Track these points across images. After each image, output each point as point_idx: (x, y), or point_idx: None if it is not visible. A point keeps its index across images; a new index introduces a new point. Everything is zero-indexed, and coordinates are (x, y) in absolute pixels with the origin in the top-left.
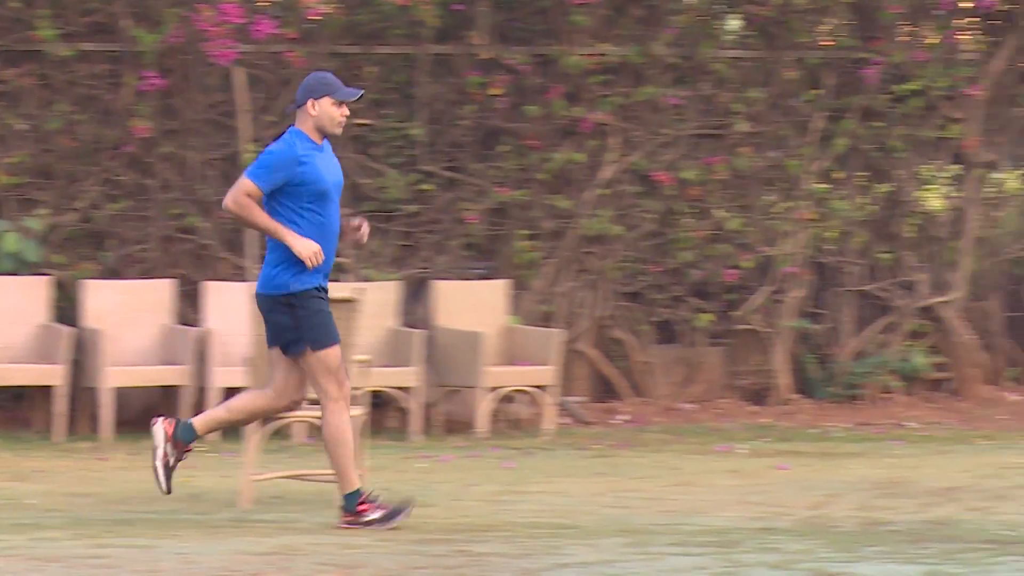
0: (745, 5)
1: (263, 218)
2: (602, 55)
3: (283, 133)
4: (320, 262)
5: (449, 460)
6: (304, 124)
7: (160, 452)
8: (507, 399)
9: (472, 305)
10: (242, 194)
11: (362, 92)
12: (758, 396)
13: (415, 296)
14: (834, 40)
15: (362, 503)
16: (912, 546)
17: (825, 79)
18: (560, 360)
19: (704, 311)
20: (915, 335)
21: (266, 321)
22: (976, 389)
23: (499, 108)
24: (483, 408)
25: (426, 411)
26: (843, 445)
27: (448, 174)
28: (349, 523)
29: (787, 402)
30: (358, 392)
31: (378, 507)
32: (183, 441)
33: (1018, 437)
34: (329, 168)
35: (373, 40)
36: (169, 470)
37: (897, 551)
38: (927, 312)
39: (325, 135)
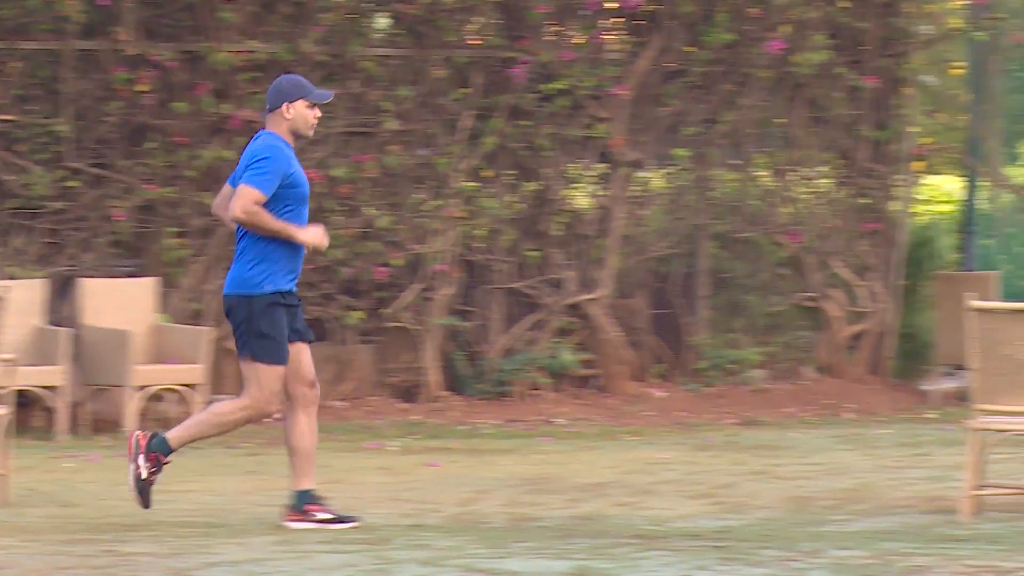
0: (393, 3)
1: (273, 221)
2: (251, 52)
3: (256, 137)
4: (327, 244)
5: (97, 459)
6: (279, 127)
7: (135, 467)
8: (156, 398)
9: (120, 303)
10: (251, 203)
11: (333, 94)
12: (408, 393)
13: (61, 294)
14: (482, 39)
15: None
16: (561, 542)
17: (473, 78)
18: (209, 358)
19: (354, 309)
20: (563, 332)
21: (234, 328)
22: (623, 386)
23: (147, 105)
24: (131, 407)
25: (73, 410)
26: (492, 442)
27: (95, 171)
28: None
29: (437, 399)
30: (3, 391)
31: (325, 509)
32: (158, 453)
33: (664, 433)
34: (303, 173)
35: (17, 35)
36: (146, 484)
37: (546, 547)
38: (575, 309)
39: (298, 139)
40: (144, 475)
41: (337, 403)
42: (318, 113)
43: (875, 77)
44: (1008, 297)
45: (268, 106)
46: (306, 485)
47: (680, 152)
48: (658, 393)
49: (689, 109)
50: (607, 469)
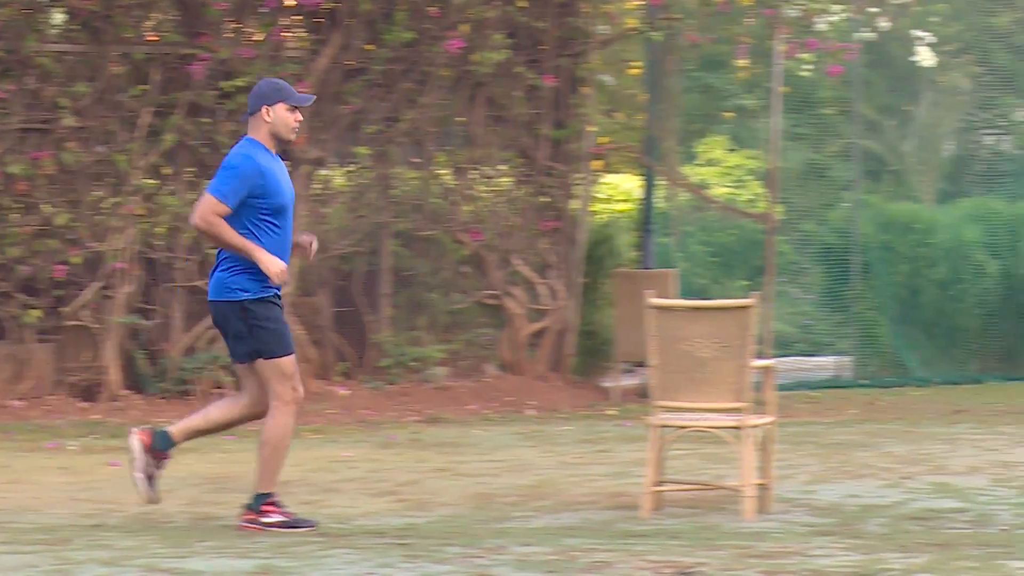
0: None
1: (232, 235)
2: None
3: (237, 143)
4: (286, 280)
5: None
6: (259, 132)
7: (139, 463)
8: None
9: None
10: (210, 212)
11: (315, 97)
12: (88, 393)
13: None
14: (160, 36)
15: (269, 504)
16: (244, 540)
17: (152, 75)
18: None
19: (32, 307)
20: None
21: (224, 333)
22: (306, 384)
23: None
24: None
25: None
26: None
27: None
28: (249, 521)
29: (118, 398)
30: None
31: (282, 512)
32: (160, 450)
33: (348, 431)
34: (285, 180)
35: None
36: (151, 478)
37: (229, 545)
38: None
39: (280, 143)
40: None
41: (15, 403)
42: (299, 116)
43: (554, 76)
44: (686, 294)
45: (248, 110)
46: (264, 488)
47: (361, 150)
48: (341, 391)
49: (370, 107)
50: (291, 467)
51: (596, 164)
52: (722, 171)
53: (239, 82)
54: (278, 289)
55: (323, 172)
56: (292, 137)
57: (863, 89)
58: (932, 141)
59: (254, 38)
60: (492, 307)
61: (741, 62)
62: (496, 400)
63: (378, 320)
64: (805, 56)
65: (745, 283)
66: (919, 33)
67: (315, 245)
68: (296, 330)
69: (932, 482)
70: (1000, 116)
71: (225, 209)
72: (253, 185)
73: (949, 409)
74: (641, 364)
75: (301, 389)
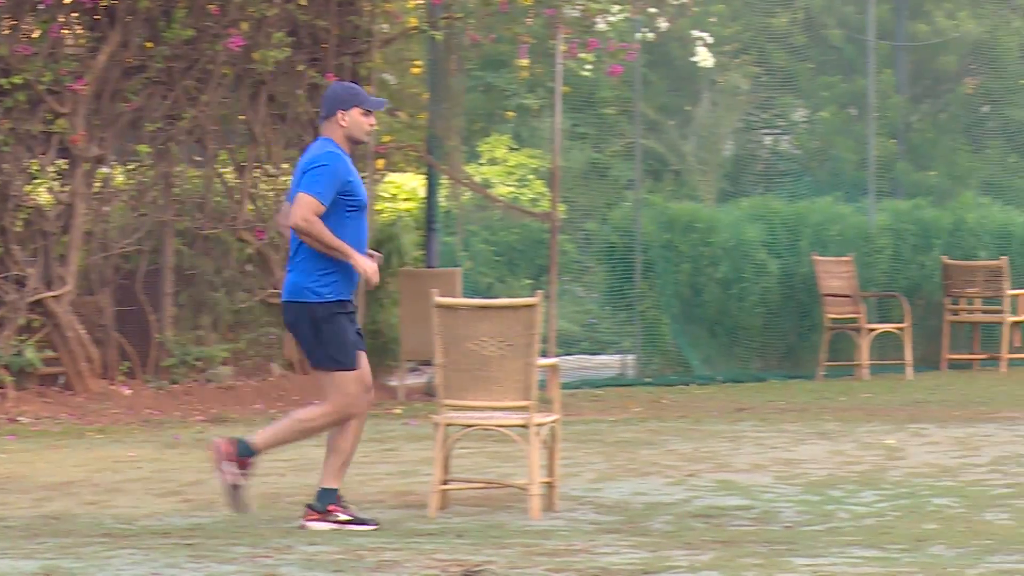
0: None
1: (329, 236)
2: None
3: (312, 144)
4: (377, 282)
5: None
6: (334, 134)
7: (224, 473)
8: None
9: None
10: (310, 212)
11: (387, 102)
12: None
13: None
14: None
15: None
16: (28, 541)
17: None
18: None
19: None
20: (26, 330)
21: (297, 338)
22: (89, 383)
23: None
24: None
25: None
26: None
27: None
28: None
29: None
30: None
31: (346, 512)
32: (244, 458)
33: (131, 431)
34: (361, 181)
35: None
36: (237, 489)
37: (13, 547)
38: (38, 307)
39: (353, 145)
40: (234, 481)
41: None
42: (373, 120)
43: (335, 75)
44: (470, 293)
45: (323, 113)
46: (333, 484)
47: (142, 148)
48: (125, 391)
49: (151, 105)
50: (74, 468)
51: (379, 163)
52: (505, 170)
53: (17, 79)
54: (350, 296)
55: (103, 170)
56: (367, 140)
57: (643, 89)
58: (712, 141)
59: (32, 35)
60: (276, 306)
61: (522, 62)
62: (281, 399)
63: (161, 319)
64: (586, 56)
65: (529, 282)
66: (698, 33)
67: (380, 259)
68: (79, 329)
69: (716, 479)
70: (779, 116)
71: (322, 208)
72: (342, 183)
73: (732, 407)
74: (427, 363)
75: (362, 405)
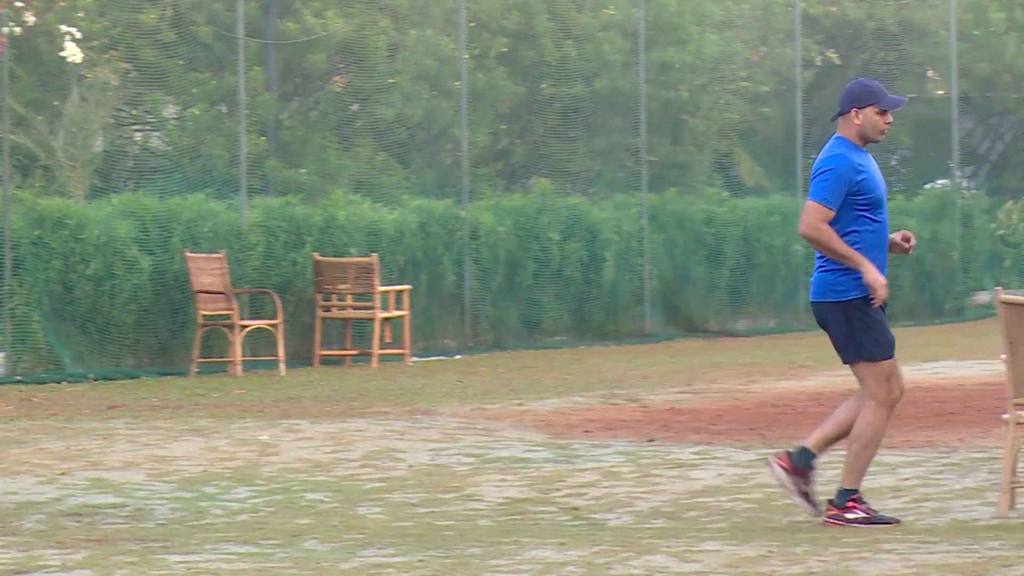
0: None
1: (839, 244)
2: None
3: (827, 143)
4: (886, 297)
5: None
6: (848, 132)
7: (791, 488)
8: None
9: None
10: (819, 220)
11: (907, 99)
12: None
13: None
14: None
15: (853, 500)
16: None
17: None
18: None
19: None
20: None
21: (828, 333)
22: None
23: None
24: None
25: None
26: None
27: None
28: (833, 517)
29: None
30: None
31: (865, 509)
32: (802, 467)
33: None
34: (878, 174)
35: None
36: (807, 496)
37: None
38: None
39: (866, 142)
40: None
41: None
42: (889, 119)
43: None
44: None
45: (838, 110)
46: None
47: None
48: None
49: None
50: None
51: None
52: None
53: None
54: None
55: None
56: (880, 139)
57: (11, 84)
58: (82, 137)
59: None
60: None
61: None
62: None
63: None
64: None
65: None
66: (67, 28)
67: (913, 240)
68: None
69: (89, 478)
70: (149, 112)
71: (830, 214)
72: (850, 183)
73: (105, 404)
74: None
75: (898, 391)
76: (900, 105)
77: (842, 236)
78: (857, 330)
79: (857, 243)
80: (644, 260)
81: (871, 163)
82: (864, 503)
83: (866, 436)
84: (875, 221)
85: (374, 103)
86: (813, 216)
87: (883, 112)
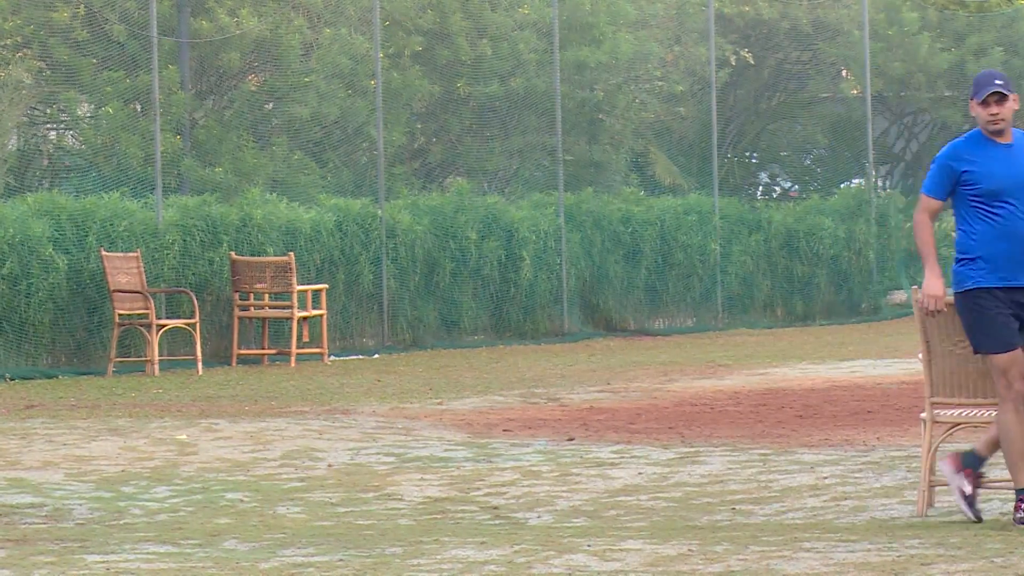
0: None
1: (920, 238)
2: None
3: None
4: (936, 308)
5: None
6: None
7: (956, 487)
8: None
9: None
10: (920, 209)
11: (993, 89)
12: None
13: None
14: None
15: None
16: None
17: None
18: None
19: None
20: None
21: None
22: None
23: None
24: None
25: None
26: None
27: None
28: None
29: None
30: None
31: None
32: (971, 468)
33: None
34: (1002, 165)
35: None
36: (970, 499)
37: None
38: None
39: (990, 133)
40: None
41: None
42: (993, 110)
43: None
44: None
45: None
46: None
47: None
48: None
49: None
50: None
51: None
52: None
53: None
54: (998, 282)
55: None
56: (991, 128)
57: None
58: None
59: None
60: None
61: None
62: None
63: None
64: None
65: None
66: None
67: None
68: None
69: (7, 478)
70: (63, 111)
71: (934, 203)
72: (952, 173)
73: (22, 404)
74: None
75: (1019, 386)
76: (985, 94)
77: (958, 229)
78: (973, 322)
79: (973, 237)
80: (561, 259)
81: (993, 154)
82: None
83: (999, 435)
84: (993, 213)
85: (289, 102)
86: (918, 205)
87: (985, 103)
